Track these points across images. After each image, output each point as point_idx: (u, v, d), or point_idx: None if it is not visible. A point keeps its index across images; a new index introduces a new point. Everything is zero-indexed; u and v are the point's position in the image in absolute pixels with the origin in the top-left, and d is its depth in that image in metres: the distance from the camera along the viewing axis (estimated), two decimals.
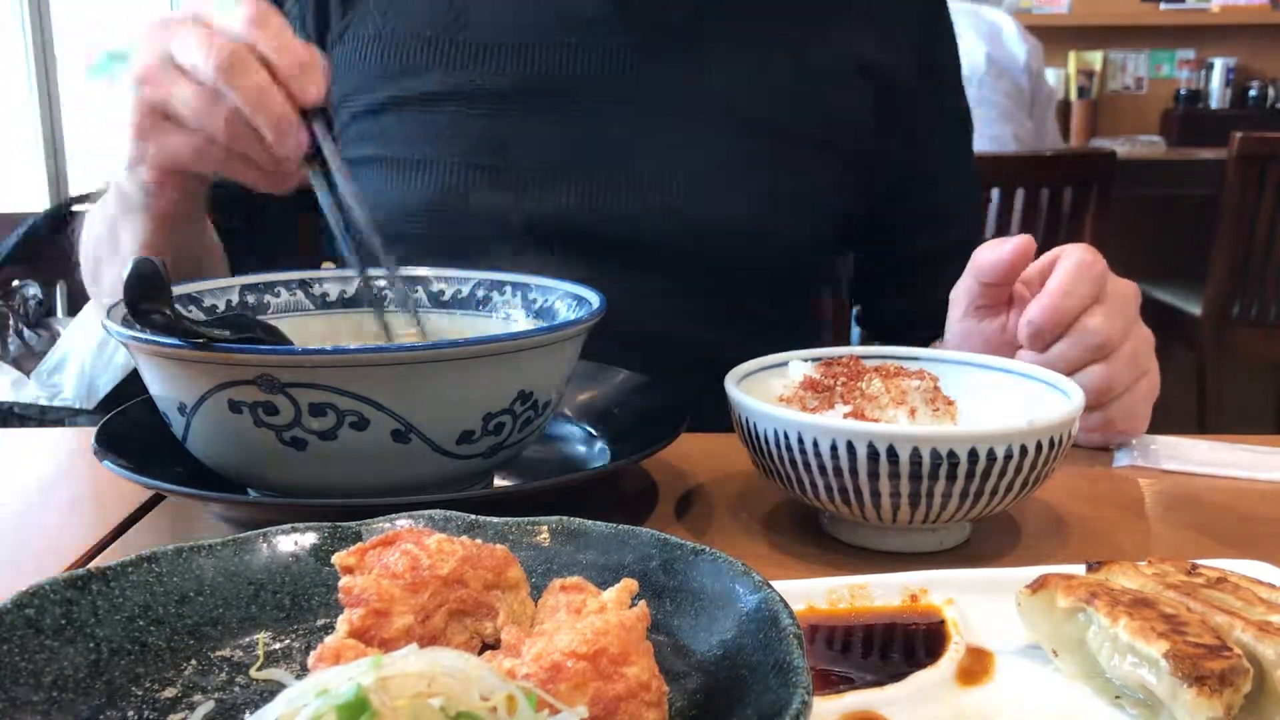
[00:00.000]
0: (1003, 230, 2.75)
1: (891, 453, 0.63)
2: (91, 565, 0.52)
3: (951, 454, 0.63)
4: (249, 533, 0.57)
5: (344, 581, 0.49)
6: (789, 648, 0.45)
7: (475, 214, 1.06)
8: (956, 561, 0.68)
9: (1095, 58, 4.52)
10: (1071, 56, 4.50)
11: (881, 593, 0.58)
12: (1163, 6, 4.46)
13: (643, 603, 0.48)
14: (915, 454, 0.63)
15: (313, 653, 0.46)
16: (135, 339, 0.66)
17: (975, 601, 0.58)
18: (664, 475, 0.83)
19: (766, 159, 1.11)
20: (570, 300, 0.82)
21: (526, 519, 0.58)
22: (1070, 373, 0.80)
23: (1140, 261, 3.86)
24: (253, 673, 0.51)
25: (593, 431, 0.85)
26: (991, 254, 0.85)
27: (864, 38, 1.15)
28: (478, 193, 1.07)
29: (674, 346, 1.07)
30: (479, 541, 0.52)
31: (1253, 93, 4.48)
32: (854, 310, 1.37)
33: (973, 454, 0.63)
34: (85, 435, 0.96)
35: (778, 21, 1.13)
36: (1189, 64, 4.53)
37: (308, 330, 0.86)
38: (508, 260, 0.89)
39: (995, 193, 2.73)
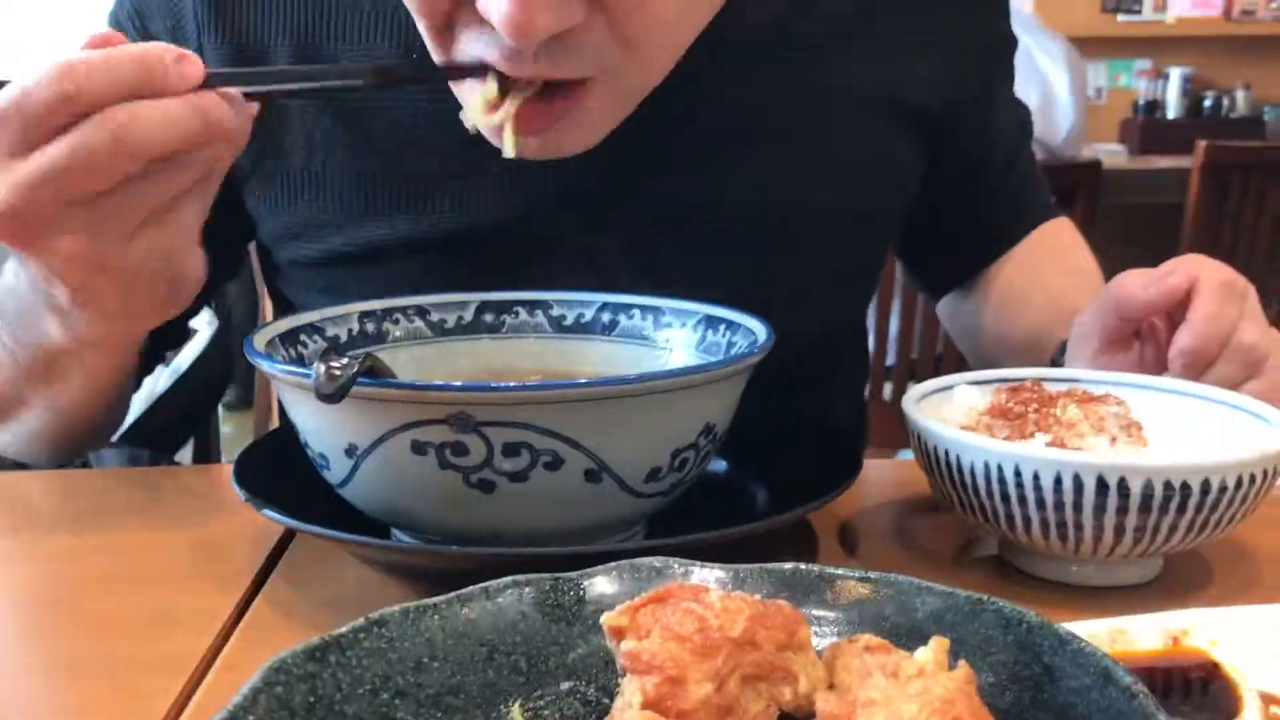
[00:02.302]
0: None
1: (1123, 485, 0.60)
2: (327, 635, 0.47)
3: (1185, 485, 0.60)
4: (470, 589, 0.52)
5: (628, 646, 0.45)
6: (1145, 708, 0.41)
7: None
8: (1158, 595, 0.66)
9: None
10: None
11: (1142, 636, 0.55)
12: (1120, 18, 4.55)
13: (964, 662, 0.44)
14: (1148, 486, 0.60)
15: None
16: (296, 373, 0.61)
17: (1240, 641, 0.55)
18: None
19: (781, 257, 0.96)
20: (715, 324, 0.78)
21: (756, 565, 0.54)
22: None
23: (1109, 269, 3.91)
24: None
25: (736, 463, 0.81)
26: (1142, 295, 0.82)
27: (915, 77, 0.97)
28: None
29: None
30: (760, 598, 0.48)
31: (1208, 102, 4.58)
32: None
33: (1205, 484, 0.60)
34: (158, 479, 0.90)
35: (775, 91, 0.93)
36: (1147, 74, 4.62)
37: (424, 359, 0.81)
38: None
39: None
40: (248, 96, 0.69)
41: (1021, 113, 1.15)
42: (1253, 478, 0.61)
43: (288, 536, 0.74)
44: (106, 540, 0.75)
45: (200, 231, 0.74)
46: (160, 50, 0.64)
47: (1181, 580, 0.69)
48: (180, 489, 0.86)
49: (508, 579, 0.53)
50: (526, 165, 0.79)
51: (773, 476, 0.78)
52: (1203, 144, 3.31)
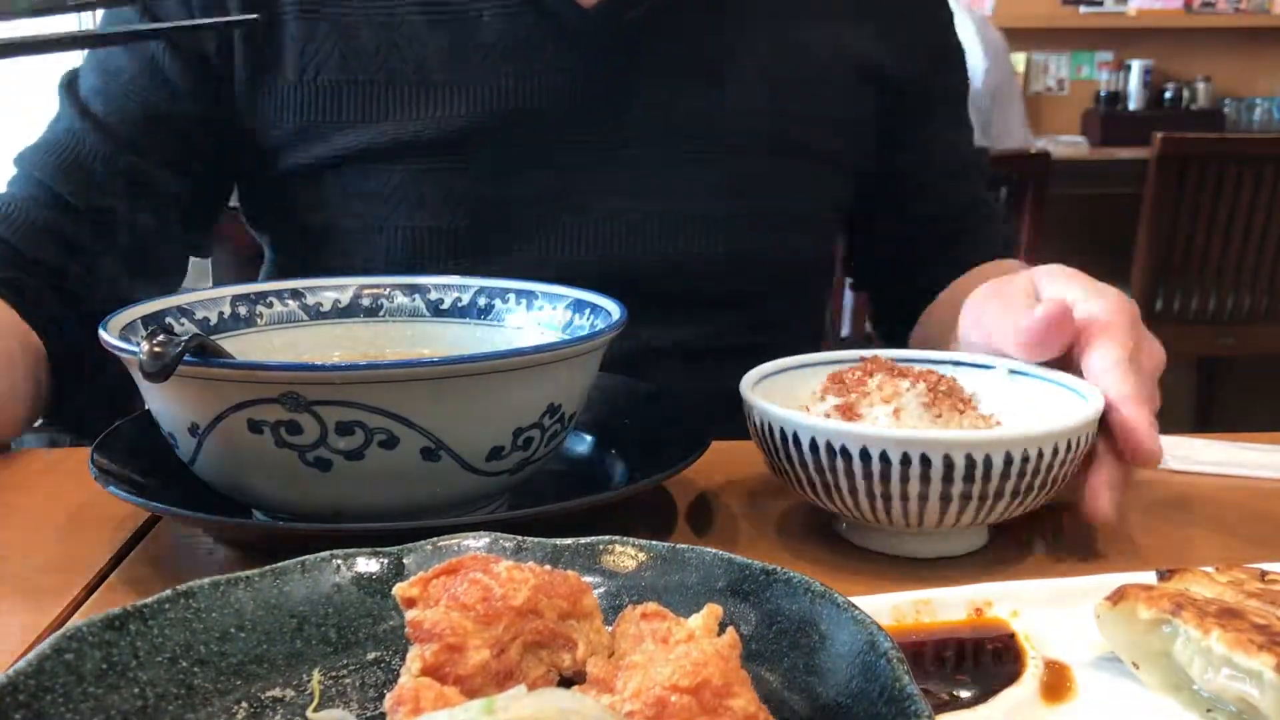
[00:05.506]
0: None
1: (925, 459, 0.62)
2: (129, 605, 0.48)
3: (988, 459, 0.62)
4: (286, 562, 0.53)
5: (411, 615, 0.46)
6: (895, 673, 0.43)
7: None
8: (981, 569, 0.67)
9: (1019, 59, 4.60)
10: None
11: (945, 608, 0.57)
12: (1082, 10, 4.57)
13: (731, 629, 0.45)
14: (948, 460, 0.62)
15: (388, 695, 0.43)
16: (125, 350, 0.62)
17: (1041, 613, 0.56)
18: (675, 487, 0.81)
19: (759, 180, 1.05)
20: (581, 308, 0.80)
21: (572, 540, 0.56)
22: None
23: (1065, 260, 3.94)
24: (310, 713, 0.48)
25: (601, 442, 0.83)
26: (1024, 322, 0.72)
27: (862, 35, 1.09)
28: (437, 259, 1.00)
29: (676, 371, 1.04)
30: (549, 568, 0.49)
31: (1168, 94, 4.61)
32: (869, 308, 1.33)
33: (1009, 456, 0.62)
34: (53, 458, 0.91)
35: (752, 25, 1.05)
36: (1108, 65, 4.65)
37: (298, 342, 0.82)
38: None
39: None
40: None
41: (969, 149, 1.22)
42: (1058, 448, 0.63)
43: (155, 517, 0.75)
44: None
45: None
46: None
47: (1011, 551, 0.71)
48: (53, 469, 0.86)
49: (325, 553, 0.54)
50: (512, 68, 0.97)
51: (637, 453, 0.79)
52: (1159, 136, 3.34)
